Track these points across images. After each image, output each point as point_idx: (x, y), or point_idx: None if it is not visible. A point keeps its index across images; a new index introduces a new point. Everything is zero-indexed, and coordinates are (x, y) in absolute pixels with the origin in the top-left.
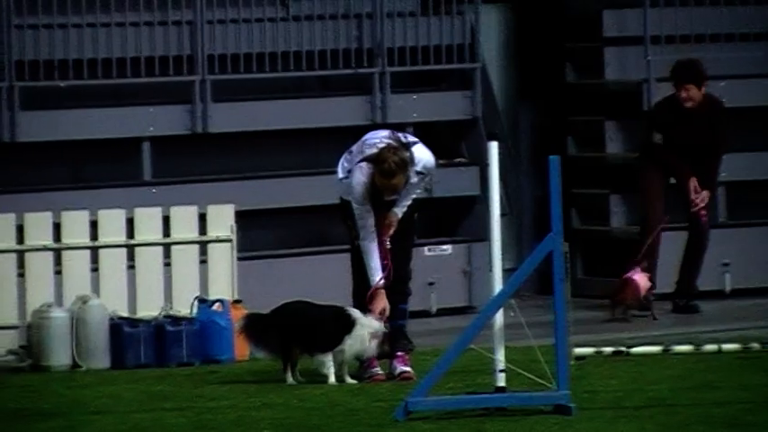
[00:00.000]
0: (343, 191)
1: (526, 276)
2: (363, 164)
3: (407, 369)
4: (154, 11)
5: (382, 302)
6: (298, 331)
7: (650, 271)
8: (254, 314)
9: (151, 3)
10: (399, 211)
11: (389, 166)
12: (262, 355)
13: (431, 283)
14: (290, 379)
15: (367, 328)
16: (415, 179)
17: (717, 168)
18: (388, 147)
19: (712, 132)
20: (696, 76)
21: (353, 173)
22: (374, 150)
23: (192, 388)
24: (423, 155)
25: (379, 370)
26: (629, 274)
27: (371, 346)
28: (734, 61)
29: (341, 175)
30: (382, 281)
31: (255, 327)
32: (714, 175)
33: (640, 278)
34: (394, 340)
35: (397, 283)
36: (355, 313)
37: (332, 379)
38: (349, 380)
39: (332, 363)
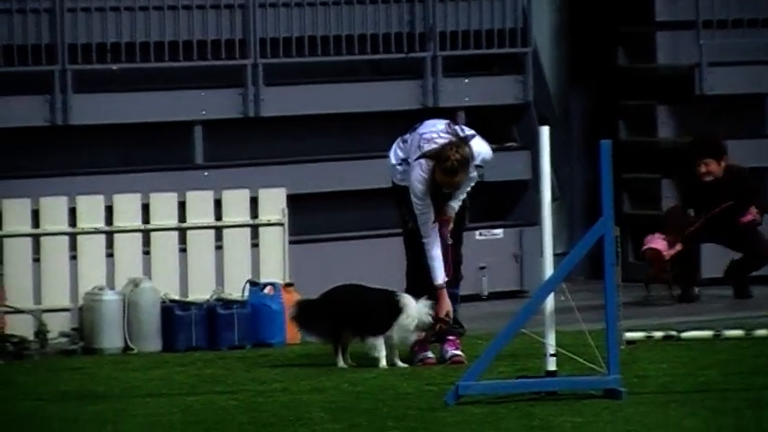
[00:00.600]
0: (396, 177)
1: (577, 261)
2: (423, 160)
3: (458, 353)
4: None
5: (446, 304)
6: (348, 315)
7: (677, 241)
8: (305, 300)
9: None
10: (456, 204)
11: (452, 165)
12: (313, 340)
13: (482, 267)
14: (340, 363)
15: (413, 318)
16: (474, 173)
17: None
18: (450, 144)
19: (740, 203)
20: (713, 150)
21: (413, 169)
22: (433, 146)
23: (243, 371)
24: (481, 148)
25: (429, 354)
26: (649, 245)
27: (413, 335)
28: None
29: (393, 161)
30: (444, 281)
31: (306, 313)
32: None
33: (659, 243)
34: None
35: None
36: (404, 299)
37: (383, 363)
38: (400, 364)
39: (383, 346)
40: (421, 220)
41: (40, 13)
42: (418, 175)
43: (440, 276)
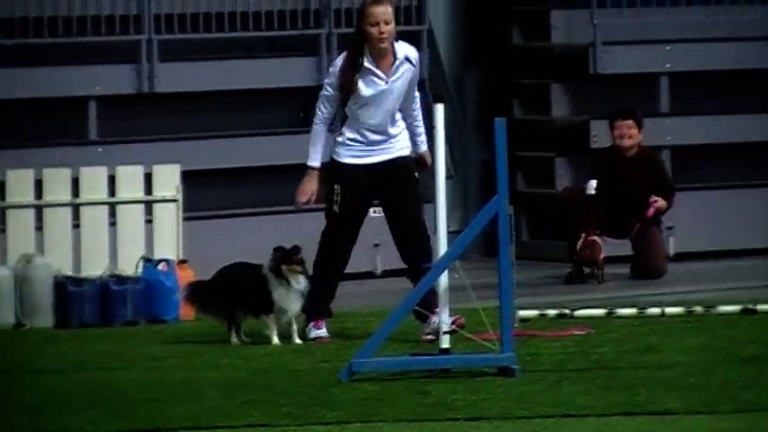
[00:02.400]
0: (335, 150)
1: (471, 239)
2: (344, 53)
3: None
4: None
5: (312, 185)
6: (239, 294)
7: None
8: (197, 282)
9: None
10: (423, 144)
11: None
12: (208, 318)
13: (376, 245)
14: (234, 340)
15: (277, 289)
16: (406, 66)
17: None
18: None
19: (650, 184)
20: (634, 115)
21: (333, 63)
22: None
23: (136, 347)
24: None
25: (324, 332)
26: (592, 237)
27: (294, 303)
28: (679, 26)
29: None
30: (317, 163)
31: (199, 294)
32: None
33: (601, 241)
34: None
35: (418, 241)
36: (267, 274)
37: (275, 340)
38: (297, 340)
39: (274, 324)
40: (323, 103)
41: None
42: (337, 64)
43: (314, 160)
